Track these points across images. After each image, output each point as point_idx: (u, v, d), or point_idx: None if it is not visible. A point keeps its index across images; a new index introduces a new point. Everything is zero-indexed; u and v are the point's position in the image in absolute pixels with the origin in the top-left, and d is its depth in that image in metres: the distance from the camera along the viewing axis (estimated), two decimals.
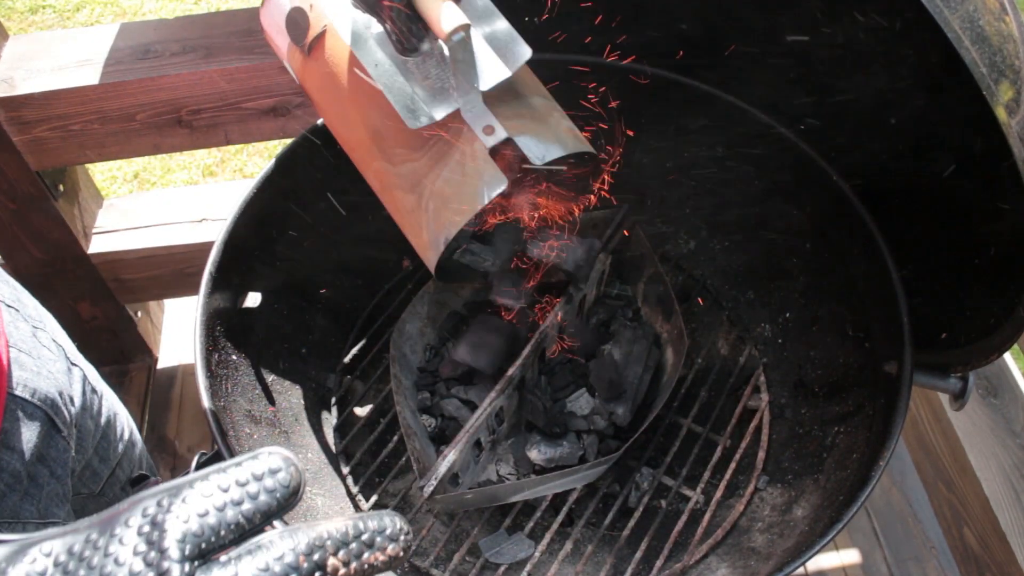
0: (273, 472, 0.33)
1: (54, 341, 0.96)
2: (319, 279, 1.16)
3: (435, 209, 0.77)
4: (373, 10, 0.70)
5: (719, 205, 1.16)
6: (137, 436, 1.21)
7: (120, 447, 1.09)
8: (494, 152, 0.75)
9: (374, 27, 0.74)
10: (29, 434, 0.83)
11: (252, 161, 2.62)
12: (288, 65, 0.84)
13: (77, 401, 0.97)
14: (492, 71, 0.72)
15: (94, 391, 1.04)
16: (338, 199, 1.13)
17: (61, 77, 1.37)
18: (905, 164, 0.96)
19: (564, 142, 0.76)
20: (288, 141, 1.04)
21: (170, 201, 1.74)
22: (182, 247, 1.66)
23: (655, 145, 1.13)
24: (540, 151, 0.74)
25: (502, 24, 0.73)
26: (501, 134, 0.74)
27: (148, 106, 1.40)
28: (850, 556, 1.61)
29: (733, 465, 1.02)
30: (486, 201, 0.74)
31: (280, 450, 0.34)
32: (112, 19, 3.05)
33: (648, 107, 1.07)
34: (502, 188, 0.74)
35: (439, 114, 0.72)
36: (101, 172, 2.57)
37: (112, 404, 1.11)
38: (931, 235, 0.96)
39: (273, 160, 1.02)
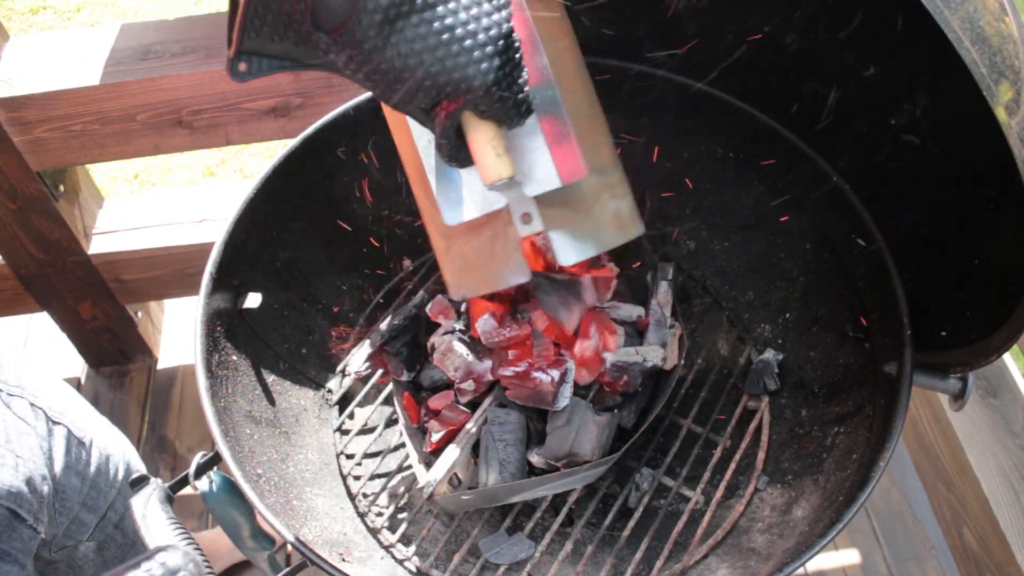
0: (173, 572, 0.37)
1: (32, 406, 0.94)
2: (319, 279, 1.16)
3: (459, 268, 0.77)
4: (426, 125, 0.62)
5: (719, 205, 1.17)
6: (137, 464, 1.19)
7: (112, 492, 1.08)
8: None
9: None
10: None
11: (252, 161, 2.62)
12: None
13: (59, 464, 0.96)
14: (544, 178, 0.69)
15: (80, 443, 1.02)
16: (339, 199, 1.14)
17: (62, 78, 1.37)
18: (905, 164, 0.96)
19: (600, 238, 0.75)
20: (289, 142, 1.04)
21: (170, 201, 1.74)
22: (182, 247, 1.67)
23: (655, 145, 1.13)
24: (571, 251, 0.73)
25: (567, 135, 0.69)
26: (537, 226, 0.72)
27: (148, 107, 1.40)
28: (850, 556, 1.61)
29: (733, 465, 1.02)
30: (505, 287, 0.75)
31: (179, 548, 0.39)
32: (112, 20, 3.06)
33: (648, 107, 1.07)
34: (524, 280, 0.74)
35: (475, 213, 0.71)
36: (101, 172, 2.57)
37: (104, 446, 1.08)
38: (931, 235, 0.96)
39: (273, 161, 1.02)
